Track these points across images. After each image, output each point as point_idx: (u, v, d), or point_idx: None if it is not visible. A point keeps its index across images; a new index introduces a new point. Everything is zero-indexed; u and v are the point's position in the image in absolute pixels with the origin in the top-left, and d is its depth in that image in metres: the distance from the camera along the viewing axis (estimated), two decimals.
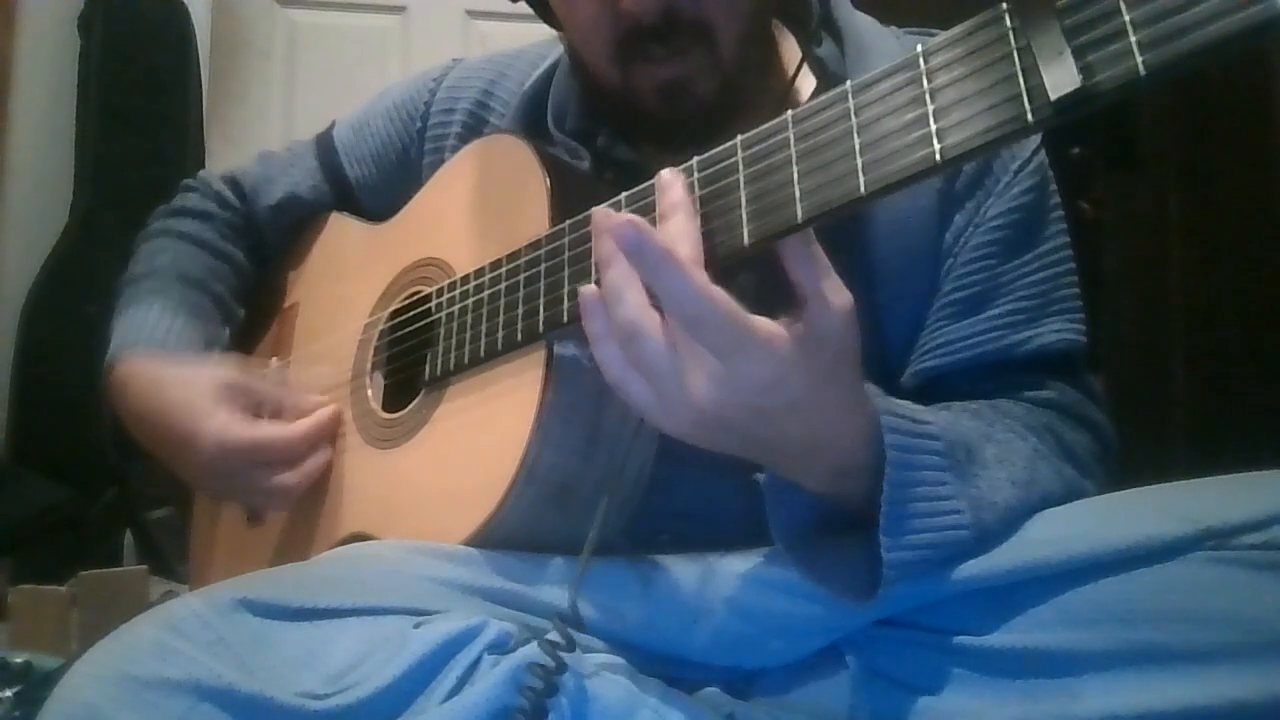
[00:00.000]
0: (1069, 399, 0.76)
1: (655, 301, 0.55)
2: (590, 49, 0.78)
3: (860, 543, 0.60)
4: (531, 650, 0.58)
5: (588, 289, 0.58)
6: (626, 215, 0.55)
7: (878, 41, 0.81)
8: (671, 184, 0.57)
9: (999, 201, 0.77)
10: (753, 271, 0.60)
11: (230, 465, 0.82)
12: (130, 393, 0.88)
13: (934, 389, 0.76)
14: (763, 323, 0.54)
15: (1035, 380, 0.76)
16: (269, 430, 0.83)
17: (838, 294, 0.55)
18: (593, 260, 0.62)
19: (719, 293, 0.53)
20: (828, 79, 0.78)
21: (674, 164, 0.60)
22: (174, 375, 0.87)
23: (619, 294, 0.55)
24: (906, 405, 0.62)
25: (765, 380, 0.54)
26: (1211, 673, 0.54)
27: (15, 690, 1.09)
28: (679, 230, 0.55)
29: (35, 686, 1.11)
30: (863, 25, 0.82)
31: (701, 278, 0.53)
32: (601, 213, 0.57)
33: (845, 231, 0.75)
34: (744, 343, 0.53)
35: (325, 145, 1.01)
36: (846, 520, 0.62)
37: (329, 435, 0.86)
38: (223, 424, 0.82)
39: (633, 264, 0.55)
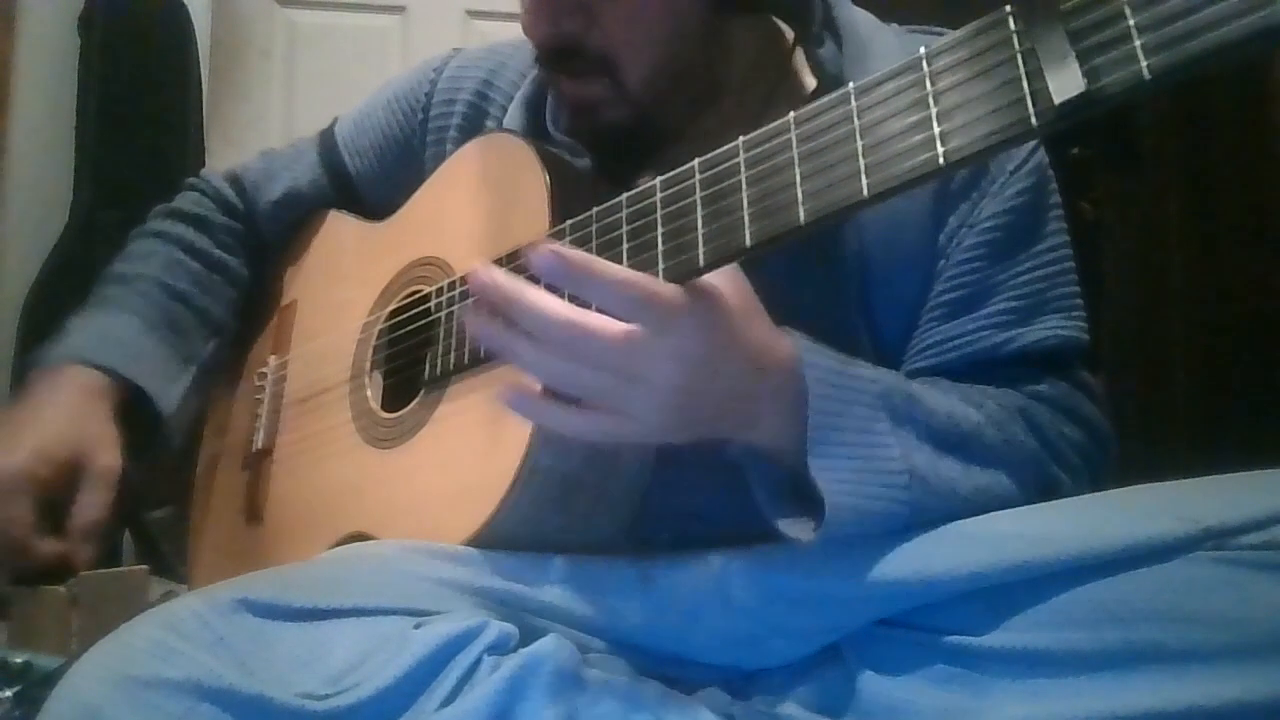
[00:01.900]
0: (1057, 392, 0.76)
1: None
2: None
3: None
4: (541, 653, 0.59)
5: (507, 390, 0.61)
6: (542, 247, 0.57)
7: (877, 39, 0.81)
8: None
9: (993, 202, 0.76)
10: None
11: None
12: (29, 390, 0.87)
13: None
14: (673, 286, 0.58)
15: (1024, 375, 0.75)
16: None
17: None
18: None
19: (641, 274, 0.58)
20: (826, 79, 0.78)
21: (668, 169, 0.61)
22: (51, 402, 0.85)
23: (551, 327, 0.58)
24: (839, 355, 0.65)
25: (702, 331, 0.58)
26: (1212, 673, 0.53)
27: (15, 690, 1.09)
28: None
29: (35, 686, 1.10)
30: (861, 22, 0.82)
31: (624, 269, 0.58)
32: (483, 277, 0.60)
33: (841, 231, 0.75)
34: (678, 307, 0.57)
35: (327, 141, 1.01)
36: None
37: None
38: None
39: (562, 284, 0.58)
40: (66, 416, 0.84)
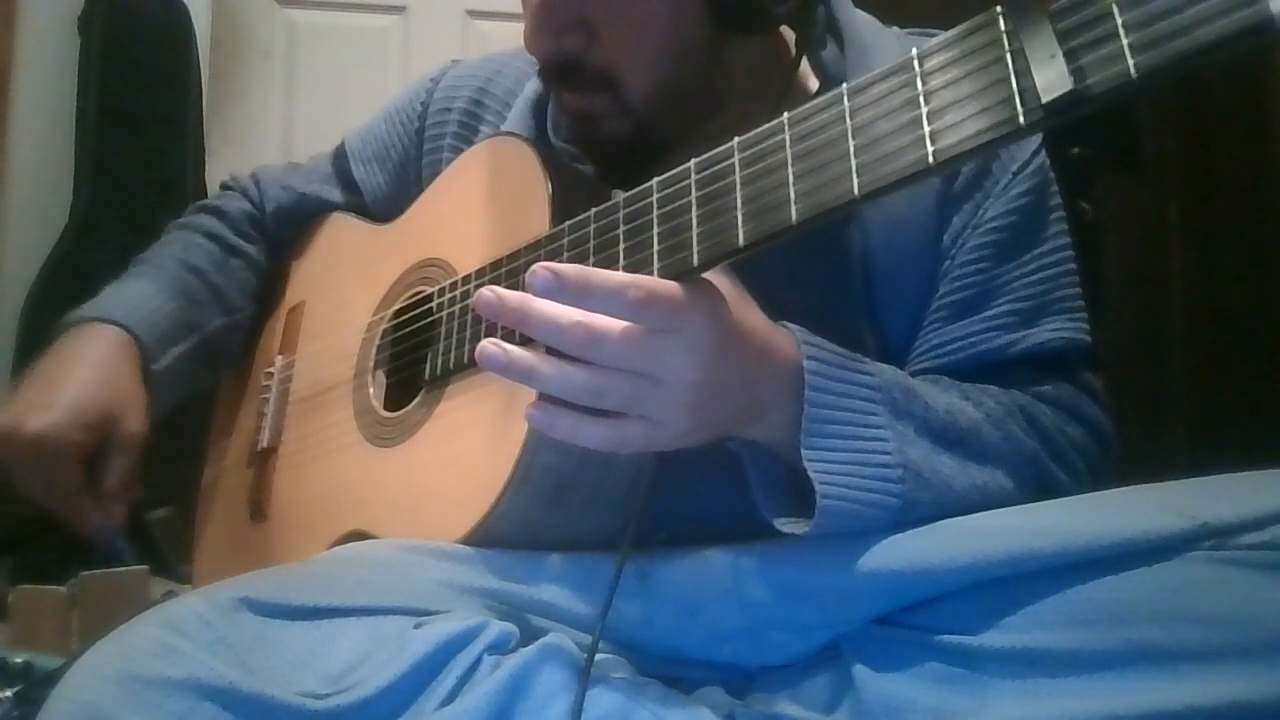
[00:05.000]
0: (1061, 393, 0.77)
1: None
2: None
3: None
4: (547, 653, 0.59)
5: (530, 409, 0.60)
6: (537, 268, 0.57)
7: (879, 41, 0.81)
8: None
9: (997, 203, 0.77)
10: None
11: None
12: (56, 345, 0.89)
13: None
14: (671, 282, 0.57)
15: (1029, 376, 0.76)
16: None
17: None
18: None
19: (641, 275, 0.57)
20: (829, 81, 0.78)
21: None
22: (78, 356, 0.87)
23: (565, 334, 0.57)
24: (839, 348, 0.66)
25: (709, 322, 0.58)
26: (1211, 673, 0.53)
27: (15, 690, 1.09)
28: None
29: (35, 686, 1.11)
30: (864, 25, 0.82)
31: (620, 274, 0.58)
32: (489, 297, 0.59)
33: (844, 233, 0.76)
34: (680, 301, 0.57)
35: (339, 152, 1.05)
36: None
37: None
38: (28, 412, 0.82)
39: (561, 300, 0.57)
40: (99, 376, 0.86)
